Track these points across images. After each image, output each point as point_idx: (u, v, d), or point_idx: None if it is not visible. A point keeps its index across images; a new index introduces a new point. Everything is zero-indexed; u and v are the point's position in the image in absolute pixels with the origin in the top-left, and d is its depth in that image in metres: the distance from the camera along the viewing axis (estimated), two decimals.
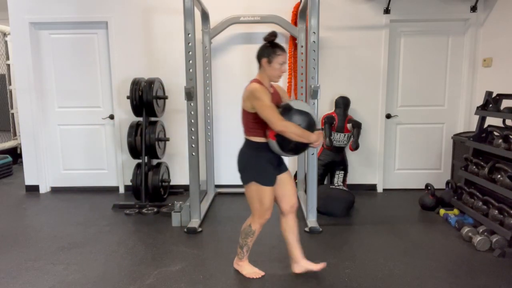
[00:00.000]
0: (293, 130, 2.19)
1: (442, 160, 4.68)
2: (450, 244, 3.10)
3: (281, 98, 2.47)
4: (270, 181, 2.38)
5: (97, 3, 4.43)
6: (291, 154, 2.39)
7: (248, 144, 2.41)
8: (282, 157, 2.49)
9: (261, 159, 2.36)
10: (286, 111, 2.27)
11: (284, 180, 2.49)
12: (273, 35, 2.34)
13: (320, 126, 4.25)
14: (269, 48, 2.32)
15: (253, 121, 2.33)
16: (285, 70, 2.38)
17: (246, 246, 2.56)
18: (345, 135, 4.31)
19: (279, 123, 2.18)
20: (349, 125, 4.29)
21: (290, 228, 2.55)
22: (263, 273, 2.60)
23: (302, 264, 2.57)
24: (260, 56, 2.35)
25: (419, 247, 3.06)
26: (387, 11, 4.37)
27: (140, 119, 4.19)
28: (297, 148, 2.31)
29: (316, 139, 2.27)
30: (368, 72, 4.48)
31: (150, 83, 4.06)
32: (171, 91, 4.49)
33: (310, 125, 2.29)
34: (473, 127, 4.33)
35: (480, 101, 3.98)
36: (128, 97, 4.08)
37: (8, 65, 6.03)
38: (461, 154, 3.99)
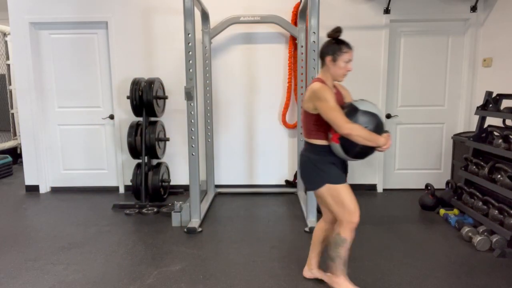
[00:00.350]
0: (360, 133, 2.01)
1: (442, 160, 4.68)
2: (450, 244, 3.10)
3: (344, 98, 2.31)
4: (342, 179, 2.21)
5: (97, 3, 4.43)
6: (356, 159, 2.20)
7: (309, 148, 2.26)
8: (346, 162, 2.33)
9: (325, 161, 2.21)
10: (352, 112, 2.09)
11: None
12: (338, 30, 2.16)
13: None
14: (334, 45, 2.16)
15: (315, 123, 2.18)
16: (350, 69, 2.20)
17: (338, 258, 2.24)
18: None
19: (345, 126, 2.01)
20: None
21: (326, 239, 2.44)
22: None
23: (314, 272, 2.52)
24: (324, 53, 2.19)
25: (419, 247, 3.06)
26: (387, 11, 4.37)
27: (140, 119, 4.19)
28: (363, 152, 2.13)
29: (385, 142, 2.07)
30: (368, 72, 4.48)
31: (150, 83, 4.06)
32: (171, 91, 4.49)
33: (378, 127, 2.10)
34: (473, 127, 4.33)
35: (480, 101, 3.98)
36: (128, 97, 4.08)
37: (8, 65, 6.03)
38: (461, 154, 3.99)
